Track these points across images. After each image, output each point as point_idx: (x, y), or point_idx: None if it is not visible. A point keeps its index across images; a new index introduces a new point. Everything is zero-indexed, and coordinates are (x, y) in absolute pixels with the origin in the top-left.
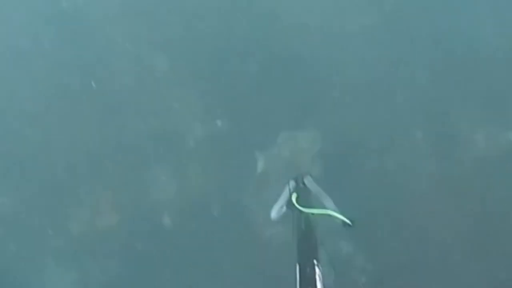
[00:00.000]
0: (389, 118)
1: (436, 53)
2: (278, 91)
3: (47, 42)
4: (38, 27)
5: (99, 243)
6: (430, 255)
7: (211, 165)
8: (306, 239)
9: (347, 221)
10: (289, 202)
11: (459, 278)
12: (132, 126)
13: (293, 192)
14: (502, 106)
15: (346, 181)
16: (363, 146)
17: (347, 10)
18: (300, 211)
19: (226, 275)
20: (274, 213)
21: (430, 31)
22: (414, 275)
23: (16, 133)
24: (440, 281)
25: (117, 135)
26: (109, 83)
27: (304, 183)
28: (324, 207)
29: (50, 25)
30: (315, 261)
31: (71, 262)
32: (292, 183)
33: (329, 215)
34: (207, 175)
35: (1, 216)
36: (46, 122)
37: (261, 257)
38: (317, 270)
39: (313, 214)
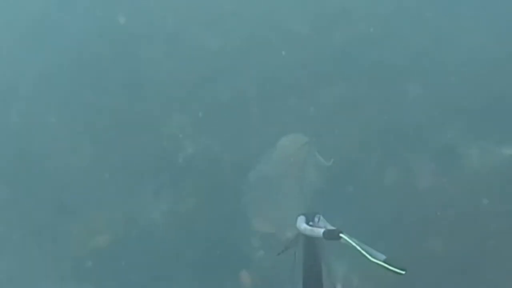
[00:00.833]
0: (384, 134)
1: (429, 68)
2: (269, 108)
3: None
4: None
5: (92, 262)
6: (425, 271)
7: (203, 184)
8: (312, 274)
9: (400, 271)
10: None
11: None
12: (125, 145)
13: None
14: (495, 121)
15: (342, 196)
16: (359, 162)
17: (339, 21)
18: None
19: None
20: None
21: (423, 46)
22: None
23: (12, 150)
24: None
25: (109, 155)
26: (100, 103)
27: (313, 222)
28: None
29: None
30: None
31: (65, 281)
32: (302, 219)
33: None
34: (200, 194)
35: None
36: (39, 140)
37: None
38: None
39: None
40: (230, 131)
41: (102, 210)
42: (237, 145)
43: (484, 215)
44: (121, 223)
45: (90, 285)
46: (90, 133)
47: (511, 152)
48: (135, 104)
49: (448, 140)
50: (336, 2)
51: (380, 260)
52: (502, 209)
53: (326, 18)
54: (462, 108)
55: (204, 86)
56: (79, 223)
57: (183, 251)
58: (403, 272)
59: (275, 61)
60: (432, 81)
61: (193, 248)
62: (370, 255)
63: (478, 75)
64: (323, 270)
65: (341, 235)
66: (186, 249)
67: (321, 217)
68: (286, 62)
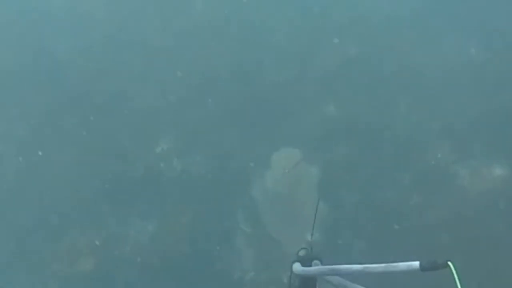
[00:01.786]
0: (372, 154)
1: (417, 85)
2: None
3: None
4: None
5: (77, 285)
6: None
7: (191, 204)
8: None
9: None
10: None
11: None
12: (109, 165)
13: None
14: (486, 140)
15: (330, 215)
16: (348, 181)
17: (324, 44)
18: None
19: None
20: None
21: (411, 63)
22: None
23: None
24: None
25: (94, 175)
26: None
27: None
28: None
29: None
30: None
31: None
32: (297, 265)
33: None
34: (188, 214)
35: None
36: (24, 165)
37: None
38: None
39: None
40: (220, 147)
41: (88, 231)
42: (228, 162)
43: (474, 235)
44: (107, 244)
45: None
46: (75, 152)
47: (501, 172)
48: (120, 123)
49: (437, 160)
50: (328, 21)
51: None
52: (493, 229)
53: (315, 37)
54: (451, 127)
55: (192, 102)
56: (64, 245)
57: (171, 272)
58: None
59: (265, 78)
60: (420, 99)
61: (182, 268)
62: None
63: (468, 92)
64: None
65: (448, 262)
66: (174, 270)
67: (319, 263)
68: (276, 77)
